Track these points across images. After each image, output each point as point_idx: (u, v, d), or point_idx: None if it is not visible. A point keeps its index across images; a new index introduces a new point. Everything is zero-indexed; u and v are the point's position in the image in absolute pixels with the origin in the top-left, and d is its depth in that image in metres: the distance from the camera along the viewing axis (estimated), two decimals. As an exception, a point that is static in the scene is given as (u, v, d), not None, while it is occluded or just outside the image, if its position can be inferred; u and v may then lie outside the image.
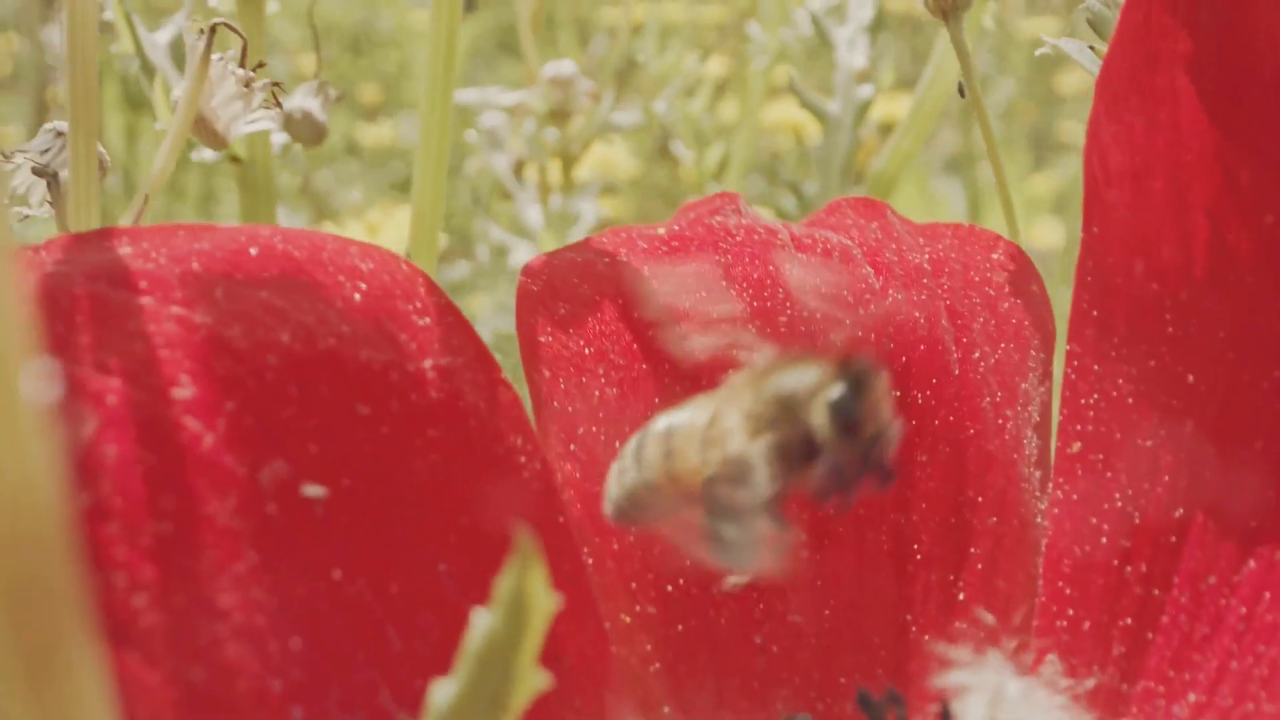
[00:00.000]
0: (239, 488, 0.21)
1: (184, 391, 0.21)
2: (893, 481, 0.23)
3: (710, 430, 0.23)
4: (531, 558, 0.16)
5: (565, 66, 0.48)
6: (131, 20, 0.41)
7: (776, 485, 0.23)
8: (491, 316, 0.59)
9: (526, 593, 0.16)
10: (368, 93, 1.07)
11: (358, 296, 0.24)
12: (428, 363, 0.24)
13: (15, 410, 0.13)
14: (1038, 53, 0.34)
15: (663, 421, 0.24)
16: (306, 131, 0.40)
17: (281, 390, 0.22)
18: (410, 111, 0.93)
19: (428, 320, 0.25)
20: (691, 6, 0.83)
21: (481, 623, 0.16)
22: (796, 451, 0.23)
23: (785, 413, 0.23)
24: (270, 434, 0.22)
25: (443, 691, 0.16)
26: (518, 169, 0.51)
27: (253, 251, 0.24)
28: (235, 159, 0.39)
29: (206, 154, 0.39)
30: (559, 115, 0.48)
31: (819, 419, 0.23)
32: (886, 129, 0.67)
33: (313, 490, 0.22)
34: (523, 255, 0.49)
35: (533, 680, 0.16)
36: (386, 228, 0.57)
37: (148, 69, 0.42)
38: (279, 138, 0.40)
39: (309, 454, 0.22)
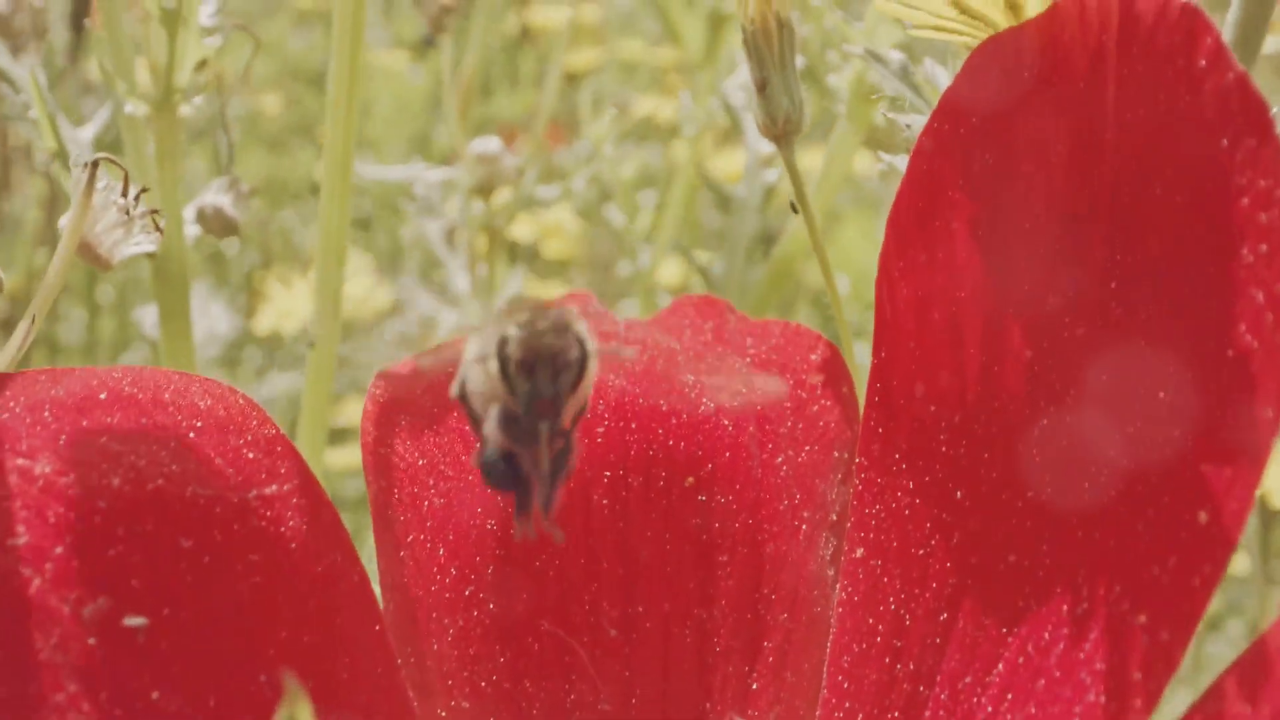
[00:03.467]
0: (62, 625, 0.24)
1: (18, 540, 0.24)
2: (568, 456, 0.23)
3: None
4: (299, 701, 0.20)
5: (491, 143, 0.51)
6: (54, 119, 0.44)
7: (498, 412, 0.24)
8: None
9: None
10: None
11: (192, 435, 0.27)
12: (252, 493, 0.27)
13: None
14: (877, 168, 0.36)
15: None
16: (218, 226, 0.43)
17: (109, 531, 0.25)
18: (371, 150, 0.96)
19: (255, 453, 0.28)
20: (649, 48, 0.86)
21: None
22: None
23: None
24: (95, 573, 0.25)
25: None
26: (450, 236, 0.54)
27: (102, 396, 0.27)
28: (149, 254, 0.43)
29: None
30: (485, 190, 0.51)
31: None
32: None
33: (134, 621, 0.25)
34: (450, 322, 0.52)
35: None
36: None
37: (65, 165, 0.45)
38: (193, 230, 0.43)
39: (132, 588, 0.25)
